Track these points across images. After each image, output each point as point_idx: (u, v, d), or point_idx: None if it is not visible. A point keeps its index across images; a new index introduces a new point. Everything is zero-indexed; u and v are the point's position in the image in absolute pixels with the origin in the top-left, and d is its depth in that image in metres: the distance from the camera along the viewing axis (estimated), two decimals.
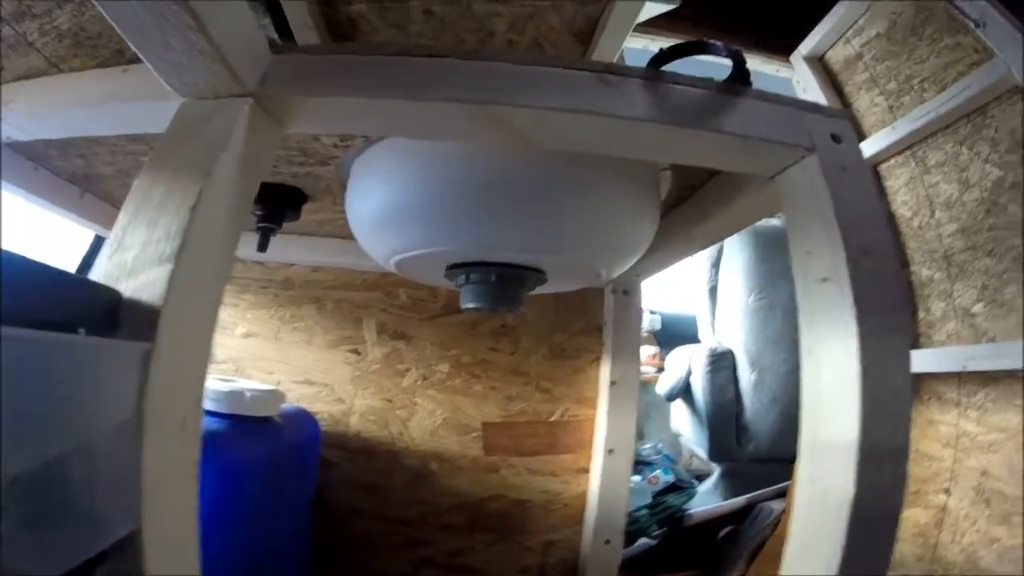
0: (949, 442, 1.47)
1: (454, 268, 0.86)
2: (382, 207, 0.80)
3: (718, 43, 0.62)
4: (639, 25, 0.76)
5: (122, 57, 0.72)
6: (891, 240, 0.58)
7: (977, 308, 1.44)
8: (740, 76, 0.62)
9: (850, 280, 0.53)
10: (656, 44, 1.88)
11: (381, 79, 0.58)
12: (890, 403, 0.50)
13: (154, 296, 0.45)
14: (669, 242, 1.00)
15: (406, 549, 1.41)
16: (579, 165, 0.74)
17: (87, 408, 0.37)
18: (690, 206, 0.96)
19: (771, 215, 0.78)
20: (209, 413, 0.95)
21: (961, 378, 1.46)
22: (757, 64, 2.00)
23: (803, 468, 0.56)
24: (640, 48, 1.89)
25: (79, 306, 0.42)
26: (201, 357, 0.53)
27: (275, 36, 0.75)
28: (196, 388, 0.52)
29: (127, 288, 0.46)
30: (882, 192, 1.73)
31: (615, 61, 0.84)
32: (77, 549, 0.37)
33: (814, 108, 0.63)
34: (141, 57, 0.52)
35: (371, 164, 0.81)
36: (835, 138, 0.61)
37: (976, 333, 1.44)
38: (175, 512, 0.48)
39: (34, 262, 0.40)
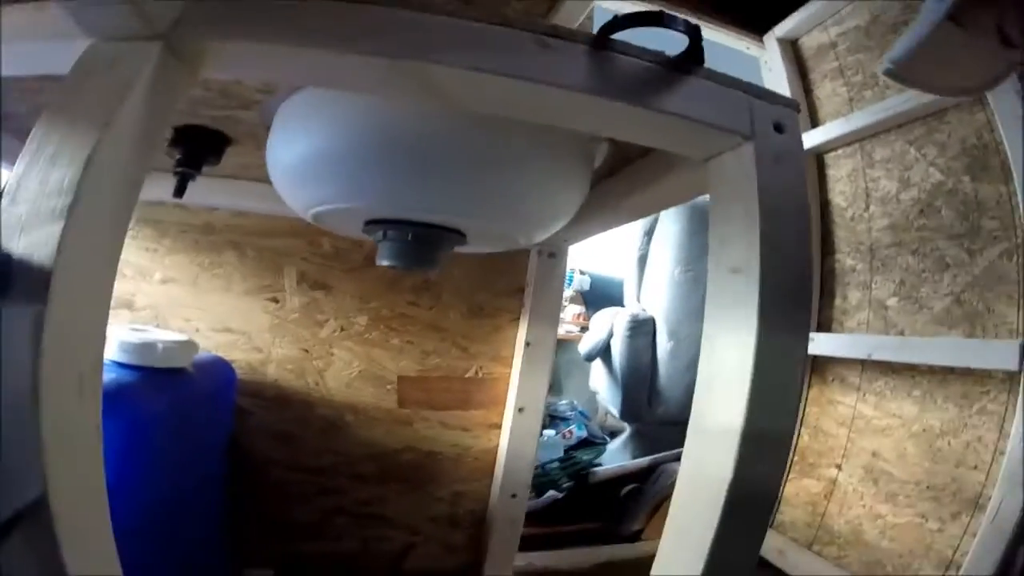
0: (845, 422, 1.56)
1: (372, 224, 0.85)
2: (300, 158, 0.77)
3: (676, 16, 0.58)
4: None
5: None
6: (806, 237, 0.58)
7: (891, 302, 1.51)
8: (694, 54, 0.59)
9: (759, 274, 0.54)
10: (630, 7, 1.85)
11: (300, 26, 0.54)
12: (778, 396, 0.52)
13: (45, 255, 0.43)
14: (597, 212, 1.00)
15: (319, 497, 1.42)
16: (504, 129, 0.72)
17: None
18: (621, 179, 0.95)
19: (700, 195, 0.79)
20: (120, 365, 0.92)
21: (865, 365, 1.55)
22: (728, 40, 1.99)
23: (688, 448, 0.58)
24: (614, 10, 1.82)
25: None
26: (99, 314, 0.51)
27: None
28: (95, 346, 0.51)
29: (19, 245, 0.43)
30: (822, 180, 1.78)
31: (583, 20, 0.80)
32: None
33: (761, 93, 0.62)
34: None
35: (292, 112, 0.77)
36: (777, 127, 0.61)
37: (886, 325, 1.52)
38: (81, 472, 0.47)
39: None
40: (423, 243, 0.84)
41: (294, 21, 0.54)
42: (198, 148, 0.99)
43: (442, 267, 0.89)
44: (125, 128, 0.50)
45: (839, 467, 1.55)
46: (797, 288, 0.55)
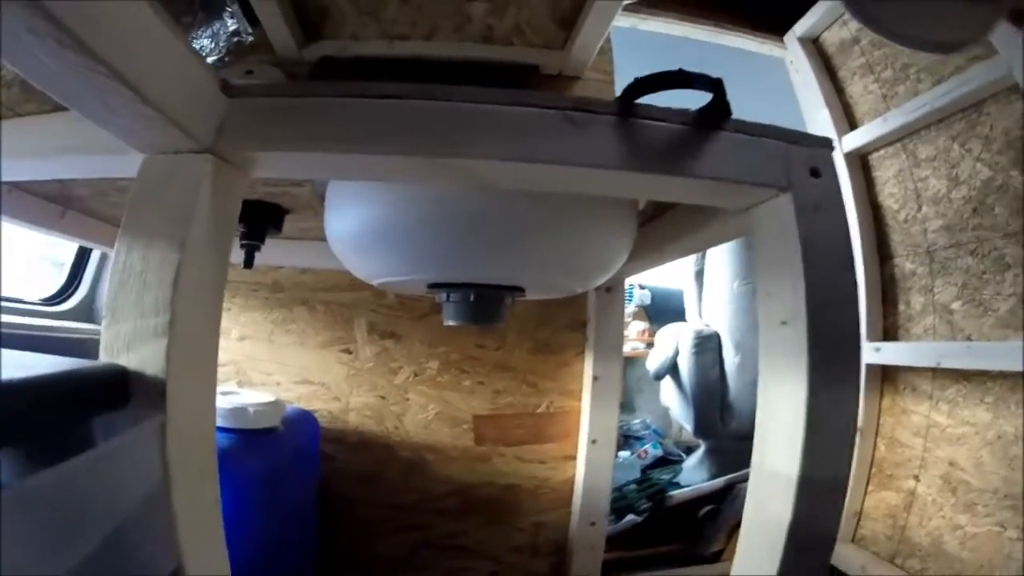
0: (920, 432, 1.53)
1: (434, 287, 0.89)
2: (359, 234, 0.81)
3: (696, 73, 0.58)
4: (628, 6, 0.72)
5: None
6: (853, 285, 0.58)
7: (956, 306, 1.47)
8: (719, 106, 0.58)
9: (807, 328, 0.55)
10: (645, 24, 1.84)
11: (337, 129, 0.56)
12: (831, 444, 0.54)
13: (157, 369, 0.48)
14: (645, 253, 1.01)
15: (405, 533, 1.47)
16: (549, 194, 0.74)
17: (121, 492, 0.42)
18: (666, 222, 0.96)
19: (741, 236, 0.80)
20: (218, 429, 0.99)
21: (935, 373, 1.51)
22: (749, 44, 1.97)
23: (751, 491, 0.61)
24: (628, 27, 1.80)
25: (91, 394, 0.45)
26: (209, 410, 0.57)
27: (245, 25, 0.74)
28: (209, 439, 0.56)
29: (130, 361, 0.48)
30: (869, 183, 1.74)
31: (601, 46, 0.80)
32: None
33: (794, 138, 0.61)
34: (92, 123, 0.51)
35: (344, 190, 0.81)
36: (814, 172, 0.60)
37: (952, 330, 1.47)
38: (207, 543, 0.53)
39: (35, 377, 0.42)
40: (485, 301, 0.88)
41: (326, 124, 0.57)
42: (260, 221, 1.05)
43: (506, 320, 0.92)
44: (199, 241, 0.53)
45: (917, 478, 1.52)
46: (846, 338, 0.56)
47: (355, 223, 0.80)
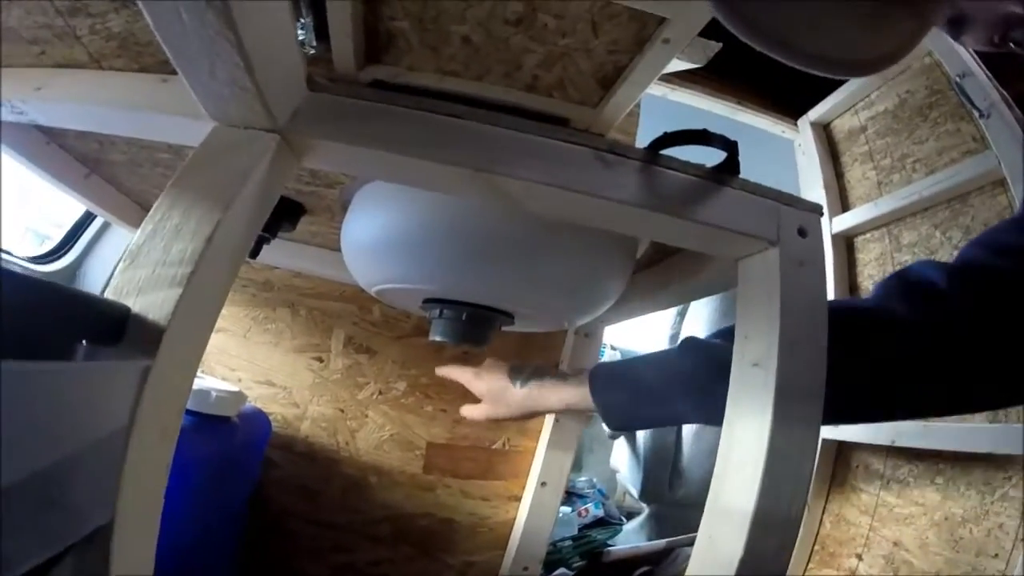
0: (868, 510, 1.55)
1: (429, 302, 0.92)
2: (373, 239, 0.85)
3: (717, 135, 0.66)
4: (662, 76, 0.77)
5: (165, 67, 0.73)
6: (824, 335, 0.63)
7: None
8: (730, 165, 0.66)
9: (776, 368, 0.59)
10: (675, 95, 1.95)
11: (398, 134, 0.62)
12: (788, 484, 0.57)
13: (161, 316, 0.49)
14: (635, 299, 1.06)
15: (331, 553, 1.44)
16: (556, 225, 0.80)
17: (83, 420, 0.41)
18: (659, 270, 1.02)
19: (732, 289, 0.84)
20: None
21: (889, 451, 1.54)
22: (764, 124, 2.07)
23: (704, 527, 0.63)
24: (659, 95, 1.95)
25: (84, 320, 0.45)
26: (191, 372, 0.57)
27: (311, 38, 0.76)
28: (181, 401, 0.56)
29: (136, 304, 0.49)
30: (851, 265, 1.80)
31: (633, 107, 0.86)
32: (59, 538, 0.40)
33: (788, 200, 0.68)
34: (186, 82, 0.54)
35: (372, 197, 0.86)
36: (801, 232, 0.66)
37: None
38: (143, 507, 0.52)
39: (41, 281, 0.43)
40: (475, 323, 0.91)
41: (390, 127, 0.62)
42: (278, 216, 1.07)
43: (489, 344, 0.94)
44: (241, 210, 0.57)
45: (860, 556, 1.52)
46: (812, 383, 0.60)
47: (375, 228, 0.85)
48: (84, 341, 0.45)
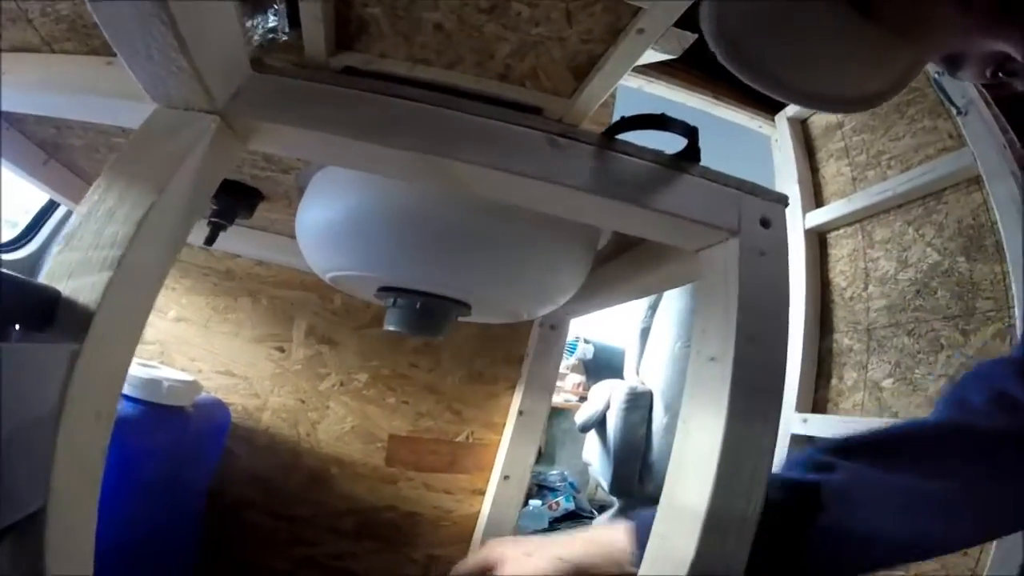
0: None
1: (383, 291, 0.90)
2: (326, 225, 0.83)
3: (676, 119, 0.65)
4: (637, 67, 0.77)
5: (111, 49, 0.72)
6: (785, 329, 0.62)
7: (887, 383, 1.51)
8: (691, 152, 0.64)
9: (732, 363, 0.58)
10: (651, 87, 1.94)
11: (344, 115, 0.60)
12: (743, 482, 0.55)
13: (90, 300, 0.47)
14: (597, 292, 1.05)
15: (290, 547, 1.42)
16: (512, 211, 0.78)
17: (11, 402, 0.39)
18: (621, 263, 1.00)
19: (693, 282, 0.83)
20: (125, 397, 0.95)
21: None
22: (741, 118, 2.07)
23: (657, 524, 0.62)
24: (634, 87, 1.93)
25: (16, 304, 0.44)
26: (125, 357, 0.56)
27: (284, 24, 0.74)
28: (116, 385, 0.55)
29: (66, 288, 0.48)
30: (824, 260, 1.81)
31: (608, 98, 0.85)
32: None
33: (751, 189, 0.66)
34: (123, 64, 0.54)
35: (326, 183, 0.84)
36: (763, 222, 0.65)
37: (881, 407, 1.51)
38: (79, 493, 0.50)
39: None
40: (430, 312, 0.89)
41: (337, 110, 0.61)
42: (234, 202, 1.05)
43: (446, 335, 0.93)
44: (177, 193, 0.55)
45: None
46: (770, 378, 0.59)
47: (326, 213, 0.83)
48: (16, 325, 0.44)
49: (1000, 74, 0.48)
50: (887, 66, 0.52)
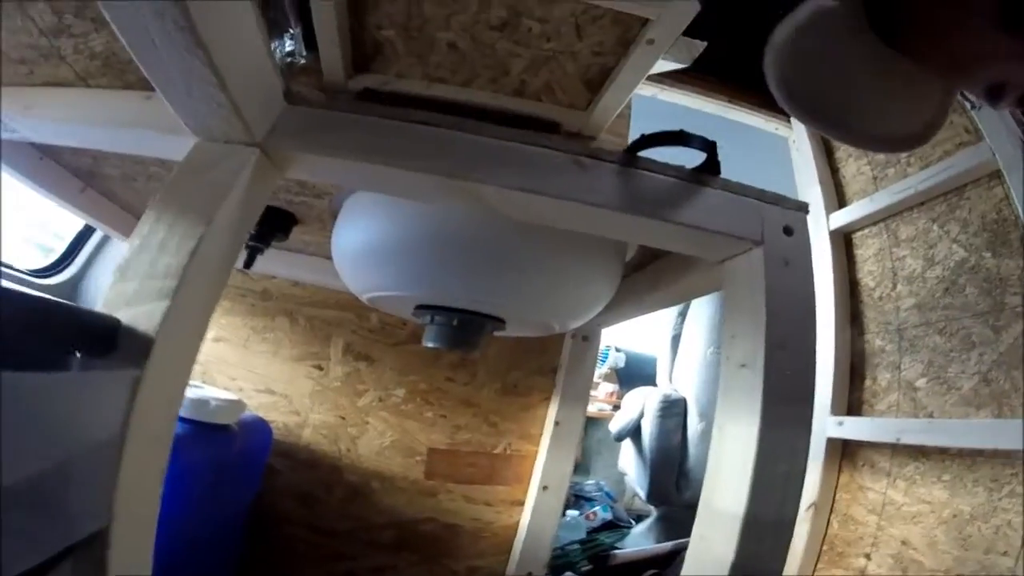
0: (875, 509, 1.53)
1: (421, 309, 0.92)
2: (363, 248, 0.86)
3: (695, 135, 0.67)
4: (650, 76, 0.78)
5: (148, 84, 0.74)
6: (813, 334, 0.63)
7: (920, 383, 1.49)
8: (710, 165, 0.66)
9: (763, 370, 0.59)
10: (664, 95, 1.94)
11: (376, 143, 0.63)
12: (779, 485, 0.57)
13: (149, 327, 0.50)
14: (626, 302, 1.06)
15: (330, 561, 1.45)
16: (543, 229, 0.79)
17: (77, 427, 0.42)
18: (648, 273, 1.02)
19: (719, 291, 0.84)
20: None
21: (895, 449, 1.52)
22: (757, 122, 2.06)
23: (697, 528, 0.63)
24: (648, 96, 1.93)
25: (76, 332, 0.47)
26: (182, 382, 0.59)
27: (301, 48, 0.78)
28: (174, 408, 0.58)
29: (125, 316, 0.50)
30: (851, 260, 1.78)
31: (622, 111, 0.87)
32: (55, 541, 0.41)
33: (772, 199, 0.67)
34: (165, 101, 0.56)
35: (359, 206, 0.87)
36: (787, 231, 0.66)
37: (916, 407, 1.49)
38: (140, 514, 0.53)
39: (36, 297, 0.45)
40: (466, 328, 0.91)
41: (367, 138, 0.63)
42: (271, 227, 1.08)
43: (482, 350, 0.95)
44: (224, 223, 0.58)
45: (868, 556, 1.51)
46: (801, 383, 0.60)
47: (362, 236, 0.86)
48: (78, 353, 0.47)
49: None
50: (926, 101, 0.53)
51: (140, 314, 0.51)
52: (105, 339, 0.49)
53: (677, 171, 0.66)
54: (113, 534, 0.47)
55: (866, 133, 0.55)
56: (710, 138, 0.67)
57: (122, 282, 0.53)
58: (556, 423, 1.45)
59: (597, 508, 2.77)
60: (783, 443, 0.58)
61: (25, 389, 0.35)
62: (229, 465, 1.15)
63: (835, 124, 0.54)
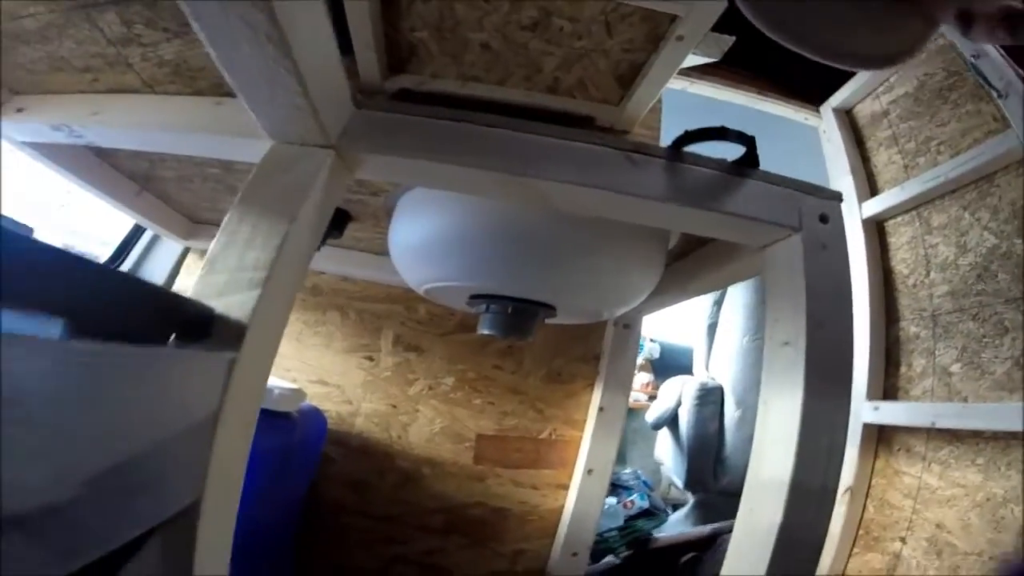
0: (911, 493, 1.55)
1: (476, 298, 0.98)
2: (421, 241, 0.91)
3: (736, 131, 0.71)
4: (680, 70, 0.81)
5: (217, 90, 0.80)
6: (850, 314, 0.66)
7: (955, 368, 1.50)
8: (750, 158, 0.70)
9: (805, 346, 0.63)
10: (695, 87, 1.97)
11: (441, 144, 0.68)
12: (822, 454, 0.60)
13: (243, 315, 0.55)
14: (669, 289, 1.10)
15: (383, 545, 1.50)
16: (591, 223, 0.84)
17: (177, 403, 0.46)
18: (690, 261, 1.06)
19: (758, 275, 0.87)
20: None
21: (930, 433, 1.53)
22: (787, 112, 2.07)
23: (745, 500, 0.67)
24: (679, 89, 1.95)
25: (173, 317, 0.51)
26: (269, 364, 0.64)
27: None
28: (260, 390, 0.63)
29: (218, 305, 0.55)
30: (884, 248, 1.80)
31: (654, 104, 0.90)
32: (150, 516, 0.44)
33: (809, 189, 0.72)
34: (246, 106, 0.61)
35: (417, 203, 0.92)
36: (823, 218, 0.70)
37: (950, 392, 1.50)
38: (227, 491, 0.58)
39: (142, 280, 0.51)
40: (520, 316, 0.96)
41: (433, 139, 0.68)
42: (328, 225, 1.12)
43: (533, 336, 0.99)
44: (305, 220, 0.63)
45: (903, 540, 1.53)
46: (840, 358, 0.64)
47: (422, 230, 0.91)
48: (174, 337, 0.51)
49: (1011, 32, 0.49)
50: (901, 28, 0.56)
51: (233, 303, 0.56)
52: (200, 325, 0.54)
53: (719, 164, 0.71)
54: (203, 509, 0.51)
55: (842, 51, 0.57)
56: (748, 133, 0.71)
57: (211, 275, 0.58)
58: (600, 408, 1.49)
59: (634, 496, 2.79)
60: (824, 416, 0.61)
61: (132, 361, 0.38)
62: (291, 452, 1.21)
63: (809, 41, 0.55)
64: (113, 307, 0.41)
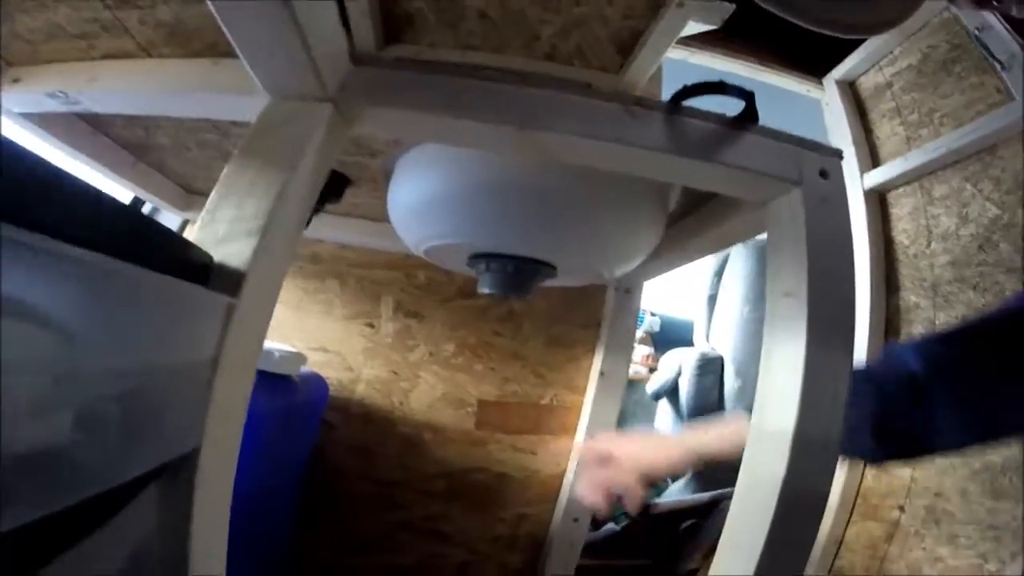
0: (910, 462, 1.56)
1: (476, 257, 0.97)
2: (420, 200, 0.91)
3: (734, 85, 0.70)
4: (680, 39, 0.80)
5: (213, 51, 0.79)
6: (850, 265, 0.66)
7: None
8: (749, 114, 0.70)
9: (807, 296, 0.63)
10: (695, 58, 1.95)
11: (442, 98, 0.67)
12: (825, 403, 0.60)
13: (241, 262, 0.55)
14: (670, 250, 1.09)
15: (386, 511, 1.52)
16: (594, 176, 0.83)
17: (176, 338, 0.45)
18: (691, 220, 1.05)
19: (760, 234, 0.87)
20: None
21: None
22: (789, 84, 2.05)
23: (748, 453, 0.67)
24: (679, 59, 1.93)
25: (177, 259, 0.51)
26: (267, 314, 0.65)
27: None
28: (259, 340, 0.64)
29: (217, 253, 0.55)
30: (885, 219, 1.79)
31: (653, 73, 0.89)
32: (149, 456, 0.44)
33: (809, 145, 0.71)
34: (244, 62, 0.60)
35: (416, 162, 0.91)
36: (823, 173, 0.70)
37: None
38: (227, 438, 0.58)
39: (149, 219, 0.50)
40: (520, 274, 0.96)
41: (436, 93, 0.68)
42: (325, 188, 1.11)
43: (533, 296, 0.99)
44: (303, 172, 0.62)
45: (902, 508, 1.54)
46: (842, 308, 0.64)
47: (421, 189, 0.91)
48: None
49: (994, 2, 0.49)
50: None
51: (231, 252, 0.56)
52: (198, 271, 0.54)
53: (719, 118, 0.70)
54: (203, 455, 0.51)
55: (822, 15, 0.59)
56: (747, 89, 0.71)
57: (211, 224, 0.57)
58: (601, 373, 1.50)
59: None
60: (828, 365, 0.61)
61: (142, 279, 0.38)
62: (291, 415, 1.21)
63: (789, 4, 0.58)
64: (116, 238, 0.40)
